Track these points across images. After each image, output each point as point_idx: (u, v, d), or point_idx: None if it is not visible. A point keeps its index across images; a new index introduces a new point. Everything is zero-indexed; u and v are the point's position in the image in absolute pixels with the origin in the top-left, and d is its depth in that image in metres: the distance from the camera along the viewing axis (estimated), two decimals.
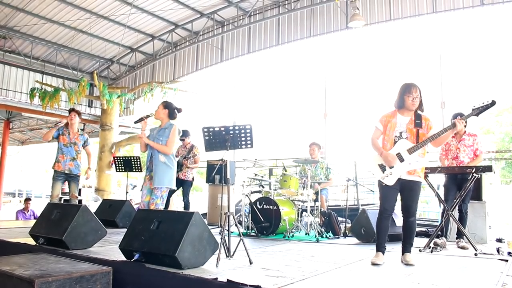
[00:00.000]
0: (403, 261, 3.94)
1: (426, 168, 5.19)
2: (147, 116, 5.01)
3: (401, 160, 3.94)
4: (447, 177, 5.61)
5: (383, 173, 4.03)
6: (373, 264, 3.91)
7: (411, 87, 4.01)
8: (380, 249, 4.04)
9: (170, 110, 4.97)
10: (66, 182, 6.40)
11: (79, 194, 6.56)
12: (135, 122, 5.28)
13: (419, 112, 4.05)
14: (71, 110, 6.52)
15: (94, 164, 6.67)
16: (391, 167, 3.98)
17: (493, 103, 3.92)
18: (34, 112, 13.02)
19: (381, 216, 4.08)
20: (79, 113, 6.51)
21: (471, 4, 8.84)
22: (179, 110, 5.05)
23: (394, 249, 4.73)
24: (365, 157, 4.36)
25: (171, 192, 7.34)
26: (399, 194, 4.08)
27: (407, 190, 4.01)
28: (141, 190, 5.03)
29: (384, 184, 4.03)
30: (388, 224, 4.11)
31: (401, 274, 3.49)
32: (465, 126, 5.61)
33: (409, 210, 4.00)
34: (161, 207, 4.76)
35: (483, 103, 3.96)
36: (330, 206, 7.80)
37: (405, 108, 4.05)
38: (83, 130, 13.73)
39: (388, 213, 4.08)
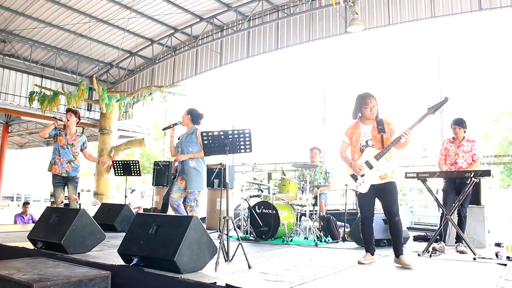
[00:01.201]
0: (398, 264, 3.99)
1: (424, 173, 5.21)
2: (175, 124, 5.37)
3: (370, 167, 4.13)
4: (445, 182, 5.62)
5: (356, 182, 4.22)
6: (359, 263, 4.16)
7: (366, 98, 4.19)
8: (369, 250, 4.29)
9: (193, 115, 5.32)
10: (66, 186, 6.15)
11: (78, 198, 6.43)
12: (163, 129, 5.67)
13: (380, 118, 4.21)
14: (68, 110, 6.31)
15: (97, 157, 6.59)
16: (362, 176, 4.17)
17: (445, 99, 4.16)
18: (33, 115, 13.03)
19: (363, 222, 4.34)
20: (75, 113, 6.24)
21: (469, 9, 8.88)
22: (201, 116, 5.37)
23: (392, 253, 4.72)
24: (337, 170, 4.55)
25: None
26: (376, 198, 4.28)
27: (383, 193, 4.15)
28: (173, 186, 5.39)
29: (359, 193, 4.25)
30: (371, 228, 4.34)
31: (400, 278, 3.49)
32: (464, 132, 5.68)
33: (390, 211, 4.11)
34: (196, 209, 5.21)
35: (438, 101, 4.15)
36: (329, 211, 7.80)
37: (365, 118, 4.23)
38: (82, 133, 13.72)
39: (368, 219, 4.30)
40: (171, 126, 5.35)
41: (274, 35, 12.01)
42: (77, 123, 6.31)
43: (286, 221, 6.32)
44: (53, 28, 12.17)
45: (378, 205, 4.71)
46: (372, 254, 4.28)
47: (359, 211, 5.23)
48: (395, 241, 4.09)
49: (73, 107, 11.94)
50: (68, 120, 6.12)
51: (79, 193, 6.22)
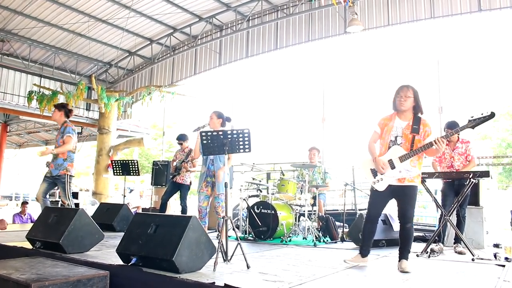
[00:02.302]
0: (398, 268, 3.81)
1: (423, 173, 5.19)
2: (204, 126, 5.30)
3: (392, 167, 3.87)
4: (444, 183, 5.62)
5: (374, 178, 4.01)
6: (345, 261, 4.06)
7: (399, 88, 3.97)
8: (362, 251, 4.09)
9: (223, 119, 5.24)
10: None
11: (76, 198, 6.14)
12: (194, 131, 5.52)
13: (419, 116, 3.93)
14: None
15: (62, 150, 5.65)
16: (381, 173, 3.94)
17: (492, 115, 3.61)
18: (31, 115, 13.02)
19: (367, 221, 4.10)
20: (58, 107, 5.84)
21: (468, 10, 8.88)
22: (229, 119, 5.31)
23: (391, 254, 4.73)
24: (359, 160, 4.31)
25: (169, 195, 7.38)
26: (391, 200, 4.05)
27: (401, 196, 3.91)
28: (198, 195, 5.27)
29: (374, 189, 4.02)
30: (373, 228, 4.10)
31: (398, 279, 3.49)
32: (458, 134, 5.66)
33: (405, 215, 3.88)
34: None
35: (481, 114, 3.65)
36: (327, 211, 7.81)
37: (401, 111, 3.99)
38: (80, 133, 13.66)
39: (373, 219, 4.07)
40: (200, 128, 5.26)
41: (274, 35, 12.00)
42: (68, 115, 5.85)
43: (285, 221, 6.32)
44: (52, 28, 12.15)
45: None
46: (363, 257, 4.07)
47: (357, 209, 5.19)
48: (402, 247, 3.88)
49: (72, 107, 11.91)
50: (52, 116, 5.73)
51: (77, 193, 5.96)
